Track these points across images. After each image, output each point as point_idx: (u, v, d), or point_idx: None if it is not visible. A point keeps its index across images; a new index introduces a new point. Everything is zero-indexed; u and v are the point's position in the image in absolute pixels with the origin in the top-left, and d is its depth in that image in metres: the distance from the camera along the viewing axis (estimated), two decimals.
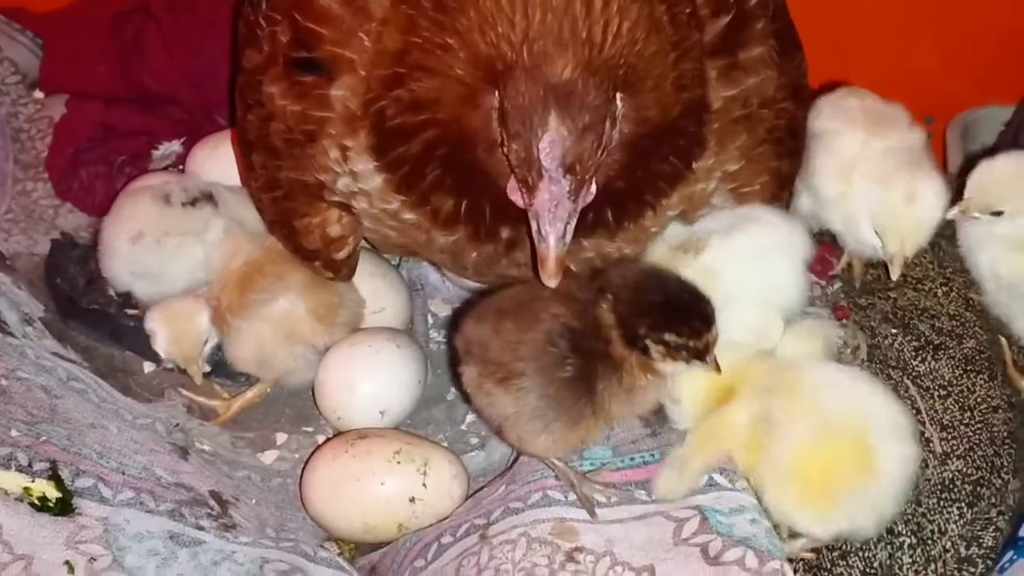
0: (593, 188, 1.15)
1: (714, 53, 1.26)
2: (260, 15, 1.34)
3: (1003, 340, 1.39)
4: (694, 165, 1.28)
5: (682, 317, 1.17)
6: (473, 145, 1.18)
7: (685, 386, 1.24)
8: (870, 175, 1.39)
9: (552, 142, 1.09)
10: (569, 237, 1.13)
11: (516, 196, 1.17)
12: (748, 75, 1.29)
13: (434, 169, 1.23)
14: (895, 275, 1.36)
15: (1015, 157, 1.37)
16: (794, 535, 1.23)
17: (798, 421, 1.20)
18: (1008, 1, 1.81)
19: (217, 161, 1.63)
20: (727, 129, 1.29)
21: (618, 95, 1.13)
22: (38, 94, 1.77)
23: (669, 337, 1.16)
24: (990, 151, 1.80)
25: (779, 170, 1.34)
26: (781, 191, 1.36)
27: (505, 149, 1.14)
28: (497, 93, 1.12)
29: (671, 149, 1.24)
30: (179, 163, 1.71)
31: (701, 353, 1.17)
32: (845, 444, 1.19)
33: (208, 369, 1.50)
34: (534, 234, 1.14)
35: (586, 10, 1.08)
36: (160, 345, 1.46)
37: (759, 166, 1.33)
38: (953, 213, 1.35)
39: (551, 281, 1.14)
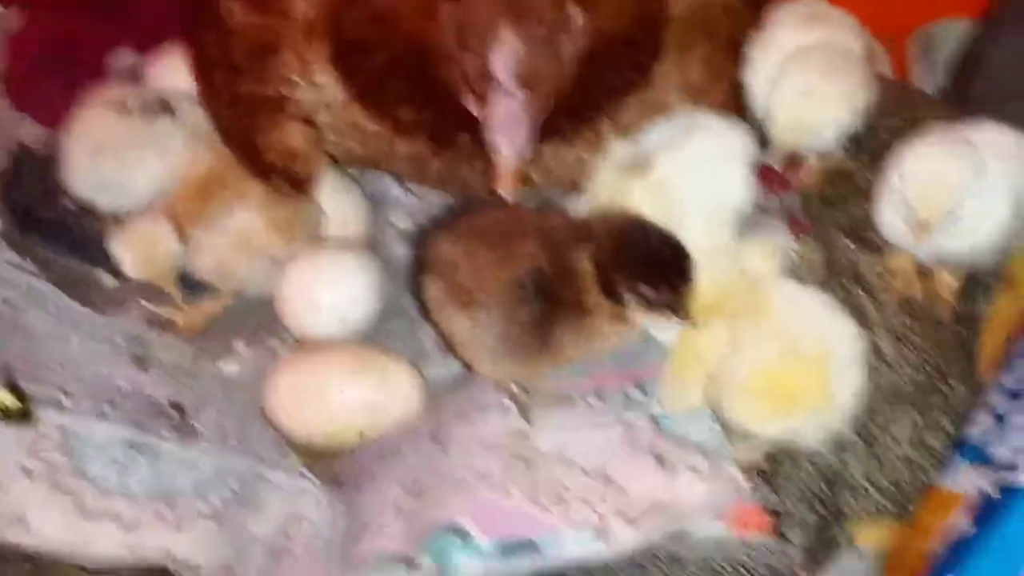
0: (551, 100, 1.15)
1: None
2: None
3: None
4: (652, 74, 1.28)
5: (662, 271, 1.18)
6: (432, 57, 1.19)
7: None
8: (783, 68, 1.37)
9: (506, 55, 1.09)
10: (527, 150, 1.14)
11: (474, 107, 1.18)
12: None
13: (394, 80, 1.23)
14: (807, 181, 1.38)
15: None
16: (744, 441, 1.25)
17: (763, 341, 1.21)
18: None
19: (179, 71, 1.61)
20: (688, 37, 1.30)
21: (574, 7, 1.13)
22: None
23: (646, 290, 1.17)
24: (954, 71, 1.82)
25: (740, 79, 1.35)
26: (743, 100, 1.37)
27: (461, 61, 1.14)
28: (452, 5, 1.12)
29: (626, 60, 1.25)
30: (140, 74, 1.69)
31: (677, 308, 1.17)
32: (806, 366, 1.21)
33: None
34: (490, 147, 1.14)
35: None
36: (128, 268, 1.45)
37: (720, 75, 1.34)
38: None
39: (507, 194, 1.15)
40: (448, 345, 1.26)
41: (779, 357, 1.20)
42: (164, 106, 1.51)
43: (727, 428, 1.23)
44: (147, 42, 1.72)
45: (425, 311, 1.28)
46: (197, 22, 1.41)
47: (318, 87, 1.29)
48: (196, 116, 1.51)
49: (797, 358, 1.20)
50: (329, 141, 1.36)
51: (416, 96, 1.24)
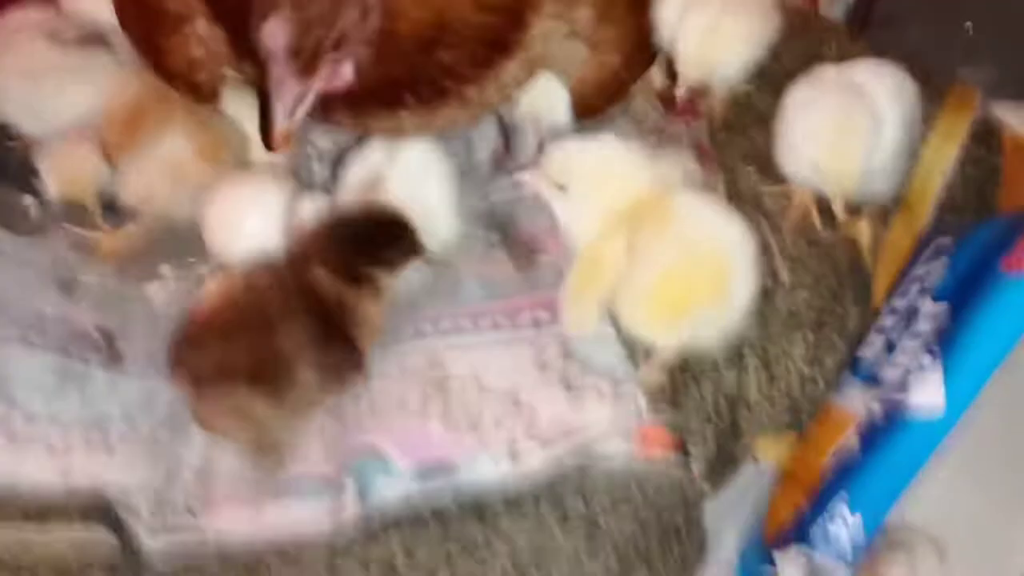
0: (347, 69, 1.20)
1: None
2: None
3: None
4: (520, 42, 1.30)
5: (379, 235, 1.25)
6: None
7: (574, 219, 1.29)
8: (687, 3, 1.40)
9: (274, 27, 1.13)
10: (300, 114, 1.19)
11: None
12: None
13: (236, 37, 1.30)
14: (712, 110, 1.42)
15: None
16: (648, 360, 1.28)
17: (664, 247, 1.24)
18: None
19: None
20: None
21: None
22: None
23: (381, 258, 1.25)
24: None
25: (640, 26, 1.37)
26: (642, 49, 1.40)
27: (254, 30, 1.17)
28: None
29: (465, 43, 1.27)
30: None
31: (416, 249, 1.25)
32: (705, 271, 1.25)
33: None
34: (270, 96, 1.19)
35: None
36: (53, 187, 1.46)
37: (615, 20, 1.37)
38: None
39: (277, 150, 1.23)
40: None
41: (678, 261, 1.23)
42: (96, 36, 1.51)
43: (632, 347, 1.27)
44: None
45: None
46: None
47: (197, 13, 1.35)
48: (125, 47, 1.51)
49: (695, 261, 1.24)
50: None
51: (240, 27, 1.26)
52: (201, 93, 1.43)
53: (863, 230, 1.40)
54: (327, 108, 1.29)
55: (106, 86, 1.47)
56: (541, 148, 1.40)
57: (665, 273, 1.23)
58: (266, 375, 1.22)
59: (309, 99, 1.20)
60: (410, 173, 1.33)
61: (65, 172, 1.45)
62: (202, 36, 1.36)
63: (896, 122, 1.33)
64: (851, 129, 1.32)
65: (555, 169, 1.29)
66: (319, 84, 1.20)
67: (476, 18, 1.25)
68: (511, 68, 1.32)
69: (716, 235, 1.26)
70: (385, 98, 1.31)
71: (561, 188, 1.29)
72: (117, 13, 1.46)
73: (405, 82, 1.28)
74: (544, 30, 1.31)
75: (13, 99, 1.49)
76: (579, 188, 1.29)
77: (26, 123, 1.50)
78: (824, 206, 1.39)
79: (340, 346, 1.24)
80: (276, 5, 1.14)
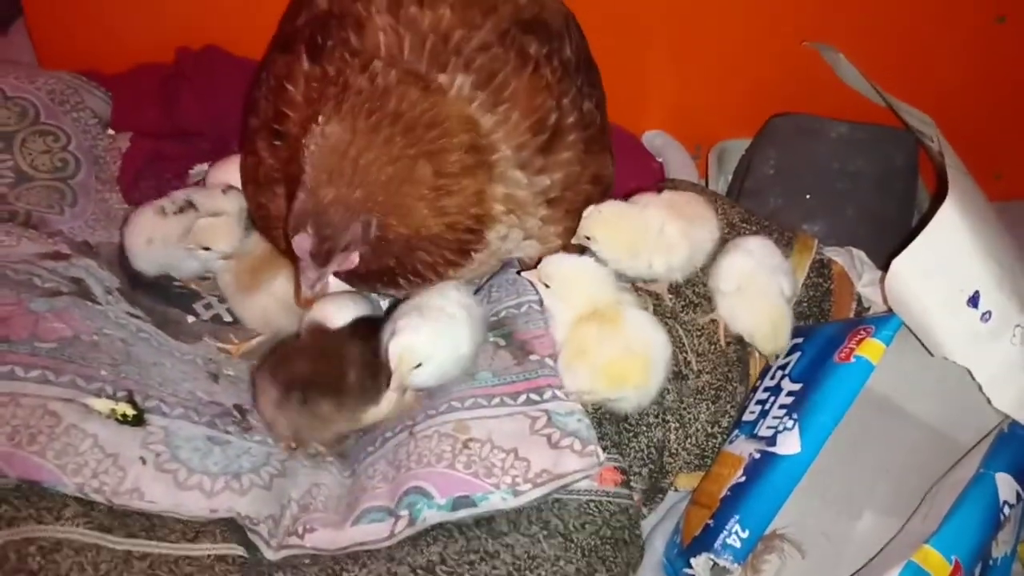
0: (354, 259, 1.20)
1: (527, 163, 1.27)
2: (261, 94, 1.34)
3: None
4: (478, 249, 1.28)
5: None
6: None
7: (560, 317, 1.28)
8: None
9: (300, 240, 1.14)
10: (320, 287, 1.20)
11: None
12: (557, 170, 1.30)
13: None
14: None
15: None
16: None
17: (613, 342, 1.24)
18: (750, 59, 1.81)
19: (228, 175, 1.60)
20: (535, 204, 1.30)
21: (369, 218, 1.16)
22: (110, 132, 1.72)
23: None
24: (735, 172, 1.86)
25: (570, 228, 1.35)
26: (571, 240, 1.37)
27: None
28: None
29: (439, 248, 1.25)
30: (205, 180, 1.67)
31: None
32: (638, 360, 1.25)
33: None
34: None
35: (352, 163, 1.13)
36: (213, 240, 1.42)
37: (558, 225, 1.35)
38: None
39: (303, 305, 1.27)
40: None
41: (621, 352, 1.24)
42: (188, 203, 1.49)
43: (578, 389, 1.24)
44: (211, 157, 1.72)
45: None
46: (243, 148, 1.41)
47: None
48: (209, 203, 1.49)
49: (632, 354, 1.24)
50: None
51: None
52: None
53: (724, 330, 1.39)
54: (348, 278, 1.31)
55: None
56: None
57: (612, 358, 1.23)
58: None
59: (325, 279, 1.20)
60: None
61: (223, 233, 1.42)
62: None
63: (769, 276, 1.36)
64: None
65: (543, 272, 1.29)
66: (332, 269, 1.20)
67: (446, 235, 1.24)
68: (478, 260, 1.30)
69: (645, 339, 1.26)
70: (383, 278, 1.30)
71: (547, 285, 1.28)
72: (248, 206, 1.44)
73: (397, 270, 1.27)
74: (502, 235, 1.30)
75: (144, 261, 1.49)
76: (558, 288, 1.28)
77: (153, 272, 1.50)
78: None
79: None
80: (302, 224, 1.14)
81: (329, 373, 1.26)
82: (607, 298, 1.28)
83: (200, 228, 1.42)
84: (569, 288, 1.28)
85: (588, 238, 1.32)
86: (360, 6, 1.27)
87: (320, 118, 1.16)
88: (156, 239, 1.46)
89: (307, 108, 1.24)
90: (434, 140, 1.18)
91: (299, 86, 1.26)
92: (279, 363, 1.28)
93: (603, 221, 1.31)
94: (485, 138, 1.23)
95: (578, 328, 1.26)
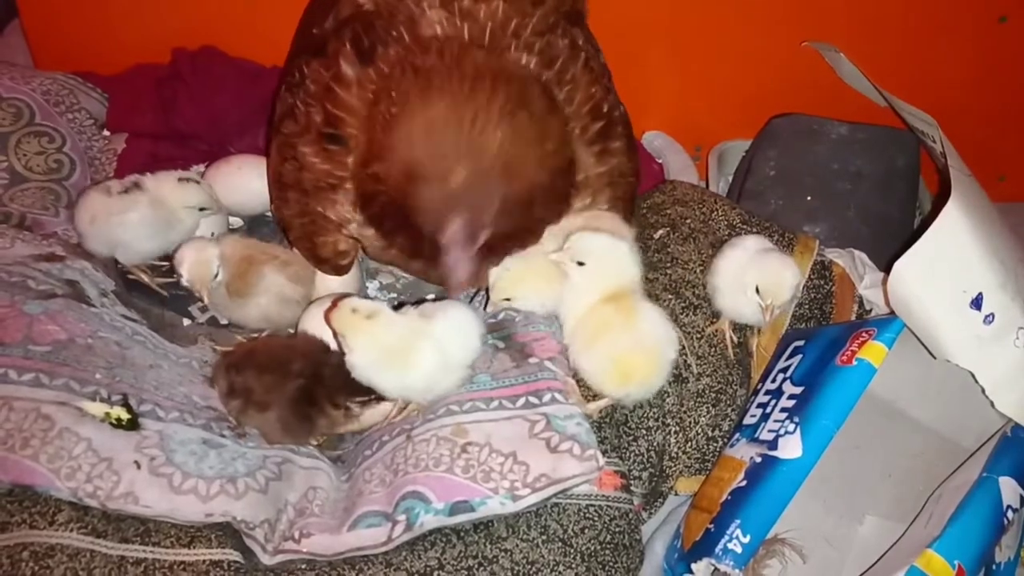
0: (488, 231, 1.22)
1: (592, 143, 1.32)
2: (298, 100, 1.32)
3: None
4: (567, 210, 1.32)
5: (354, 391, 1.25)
6: (409, 211, 1.22)
7: (583, 299, 1.27)
8: None
9: (455, 231, 1.17)
10: (470, 277, 1.23)
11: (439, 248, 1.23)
12: (613, 156, 1.34)
13: (389, 221, 1.27)
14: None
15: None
16: (595, 399, 1.27)
17: (624, 333, 1.24)
18: (750, 60, 1.81)
19: (227, 175, 1.61)
20: (598, 189, 1.35)
21: (498, 183, 1.19)
22: (106, 133, 1.71)
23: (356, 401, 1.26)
24: (736, 173, 1.86)
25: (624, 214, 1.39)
26: (627, 217, 1.40)
27: (437, 226, 1.20)
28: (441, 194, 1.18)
29: (548, 200, 1.29)
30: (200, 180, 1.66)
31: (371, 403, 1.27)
32: (646, 355, 1.24)
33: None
34: (446, 272, 1.23)
35: (467, 135, 1.14)
36: (184, 271, 1.40)
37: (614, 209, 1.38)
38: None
39: (456, 294, 1.28)
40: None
41: (631, 345, 1.24)
42: (134, 184, 1.48)
43: (587, 383, 1.26)
44: (207, 158, 1.72)
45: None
46: (279, 155, 1.37)
47: (352, 220, 1.32)
48: (155, 189, 1.48)
49: (642, 347, 1.24)
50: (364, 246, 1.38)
51: (401, 231, 1.27)
52: (340, 271, 1.42)
53: (750, 339, 1.39)
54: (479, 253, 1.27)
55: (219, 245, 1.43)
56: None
57: (620, 351, 1.23)
58: None
59: (475, 260, 1.22)
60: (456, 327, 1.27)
61: (195, 267, 1.40)
62: (352, 235, 1.35)
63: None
64: (789, 281, 1.32)
65: (578, 249, 1.28)
66: (478, 247, 1.22)
67: (558, 182, 1.28)
68: (558, 226, 1.33)
69: (656, 334, 1.26)
70: (506, 244, 1.30)
71: (580, 264, 1.27)
72: (280, 212, 1.41)
73: (515, 234, 1.29)
74: (580, 206, 1.35)
75: (92, 240, 1.46)
76: (594, 265, 1.27)
77: (117, 255, 1.48)
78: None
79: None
80: (446, 215, 1.17)
81: (268, 392, 1.25)
82: (636, 276, 1.29)
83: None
84: (604, 265, 1.27)
85: (507, 300, 1.31)
86: (411, 2, 1.28)
87: (405, 109, 1.17)
88: (99, 216, 1.44)
89: (365, 110, 1.25)
90: (520, 92, 1.21)
91: (352, 89, 1.26)
92: (234, 363, 1.28)
93: (514, 279, 1.30)
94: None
95: (596, 311, 1.26)
